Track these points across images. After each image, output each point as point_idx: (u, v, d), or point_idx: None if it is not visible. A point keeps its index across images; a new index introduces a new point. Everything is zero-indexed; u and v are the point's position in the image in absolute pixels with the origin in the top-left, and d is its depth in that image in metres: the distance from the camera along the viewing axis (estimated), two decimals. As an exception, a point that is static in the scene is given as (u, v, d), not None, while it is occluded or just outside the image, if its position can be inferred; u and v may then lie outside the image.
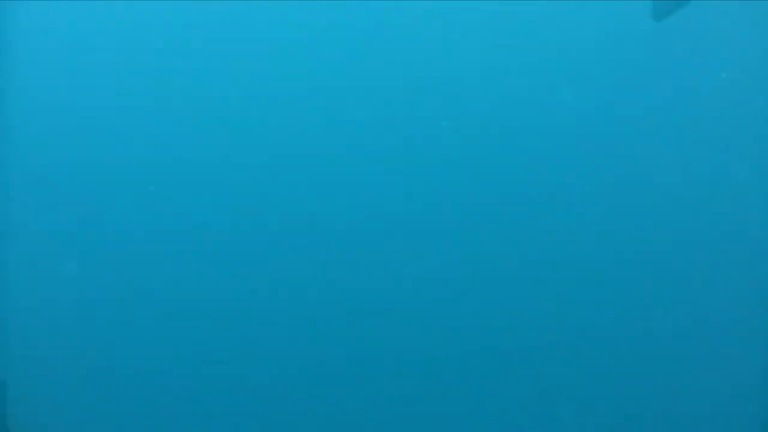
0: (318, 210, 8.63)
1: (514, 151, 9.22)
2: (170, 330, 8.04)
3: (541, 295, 8.12)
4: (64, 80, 9.25)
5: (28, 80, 9.05)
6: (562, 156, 9.04)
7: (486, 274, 8.22)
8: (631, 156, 9.12)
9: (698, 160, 9.08)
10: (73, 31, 9.43)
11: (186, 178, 9.05)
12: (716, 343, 7.95)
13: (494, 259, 8.20)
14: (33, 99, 9.01)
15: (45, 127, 9.06)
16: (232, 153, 9.18)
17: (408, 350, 7.98)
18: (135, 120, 9.35)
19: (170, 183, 9.09)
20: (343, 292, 8.19)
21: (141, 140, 9.19)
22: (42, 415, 7.60)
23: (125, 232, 8.70)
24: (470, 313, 8.15)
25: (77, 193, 8.92)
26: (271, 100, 9.64)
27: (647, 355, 7.97)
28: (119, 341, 8.03)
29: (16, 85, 9.07)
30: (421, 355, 7.97)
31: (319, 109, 9.41)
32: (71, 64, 9.31)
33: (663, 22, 10.28)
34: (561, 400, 7.67)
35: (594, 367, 7.81)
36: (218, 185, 9.15)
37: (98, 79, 9.37)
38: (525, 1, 9.82)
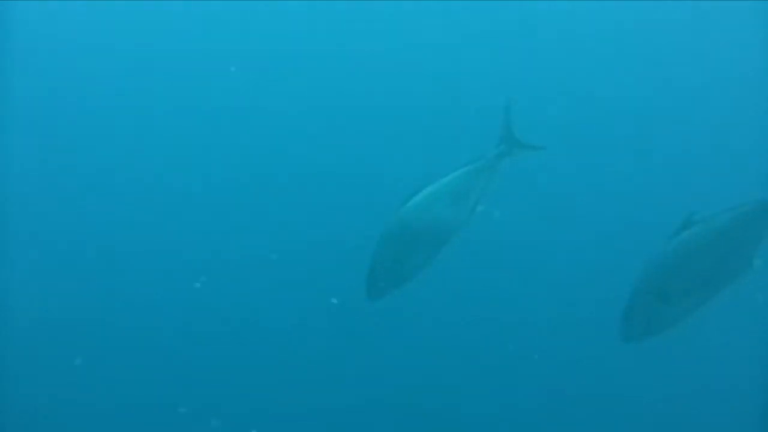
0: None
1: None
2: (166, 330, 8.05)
3: (534, 295, 8.14)
4: (62, 79, 9.31)
5: (28, 80, 9.09)
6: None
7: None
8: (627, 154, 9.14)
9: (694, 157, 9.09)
10: (71, 32, 9.48)
11: (182, 178, 9.09)
12: (716, 343, 7.93)
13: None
14: (32, 98, 9.04)
15: (44, 126, 9.11)
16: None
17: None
18: (132, 119, 9.39)
19: (168, 182, 9.12)
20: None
21: (137, 142, 9.25)
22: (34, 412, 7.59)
23: (124, 230, 8.72)
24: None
25: (75, 192, 8.95)
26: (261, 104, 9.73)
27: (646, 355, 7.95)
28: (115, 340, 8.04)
29: (16, 85, 9.10)
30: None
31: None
32: (70, 65, 9.38)
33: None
34: (557, 398, 7.64)
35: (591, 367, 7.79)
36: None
37: (96, 79, 9.43)
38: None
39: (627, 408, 7.75)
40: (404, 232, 5.17)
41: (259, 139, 9.36)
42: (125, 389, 7.70)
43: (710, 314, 8.07)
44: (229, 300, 8.25)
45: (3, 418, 7.59)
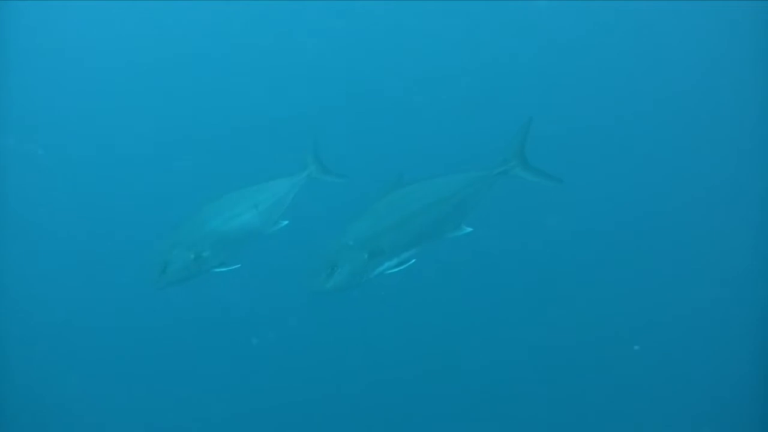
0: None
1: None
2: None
3: (540, 293, 8.16)
4: (62, 79, 9.32)
5: (28, 80, 9.10)
6: (559, 155, 9.01)
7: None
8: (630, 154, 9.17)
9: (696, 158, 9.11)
10: (71, 32, 9.49)
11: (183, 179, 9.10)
12: (716, 342, 7.94)
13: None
14: (32, 98, 9.05)
15: (43, 125, 9.12)
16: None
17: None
18: (131, 119, 9.42)
19: (168, 181, 9.14)
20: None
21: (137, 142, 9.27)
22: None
23: (125, 231, 8.74)
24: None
25: (76, 191, 8.96)
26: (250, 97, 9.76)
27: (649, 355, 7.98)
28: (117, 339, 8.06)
29: (16, 85, 9.11)
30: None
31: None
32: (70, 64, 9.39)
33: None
34: (558, 399, 7.64)
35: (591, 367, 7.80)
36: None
37: (95, 78, 9.45)
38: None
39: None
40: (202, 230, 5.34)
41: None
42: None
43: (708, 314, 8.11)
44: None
45: (3, 418, 7.61)
